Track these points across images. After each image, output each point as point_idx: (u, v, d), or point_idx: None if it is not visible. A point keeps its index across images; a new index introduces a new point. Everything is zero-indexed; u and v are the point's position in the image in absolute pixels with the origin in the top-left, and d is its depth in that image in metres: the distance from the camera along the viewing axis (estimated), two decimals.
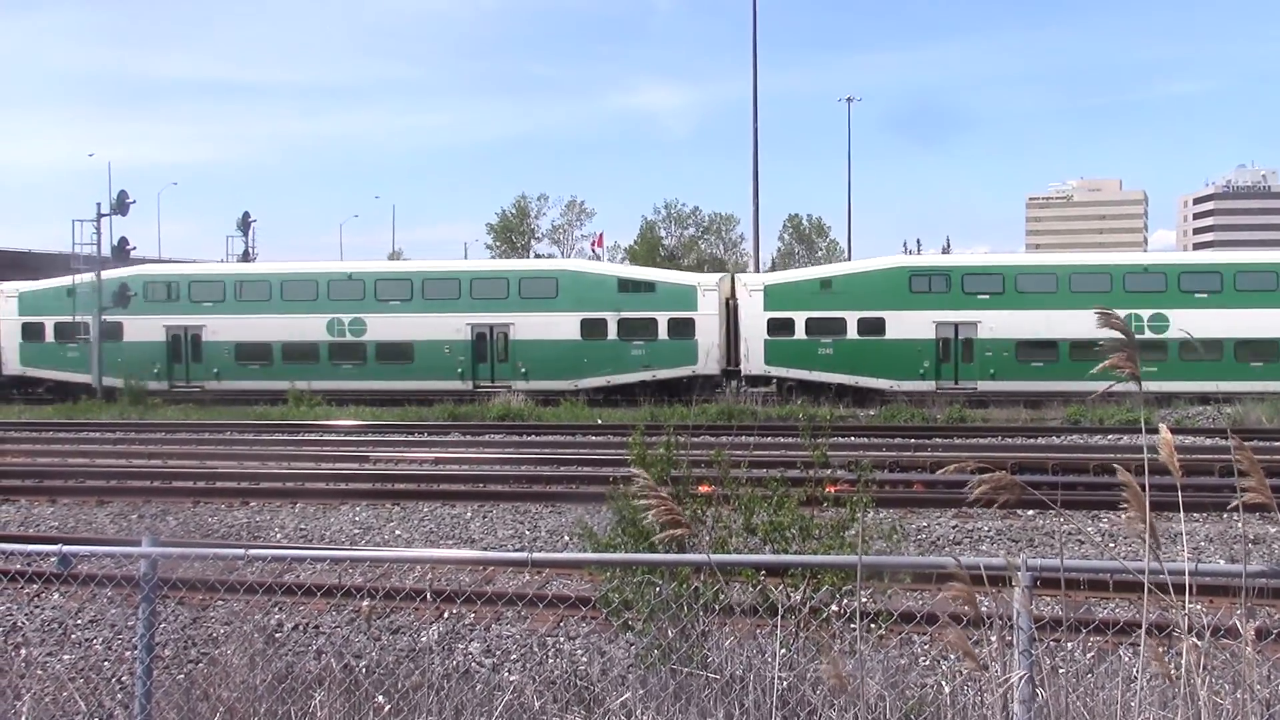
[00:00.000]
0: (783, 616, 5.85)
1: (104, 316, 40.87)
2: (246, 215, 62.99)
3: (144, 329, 41.73)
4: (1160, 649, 4.34)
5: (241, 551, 5.89)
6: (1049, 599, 9.77)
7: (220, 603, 11.58)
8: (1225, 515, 15.47)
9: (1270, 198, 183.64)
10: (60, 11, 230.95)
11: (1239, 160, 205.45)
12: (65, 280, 43.23)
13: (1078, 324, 33.85)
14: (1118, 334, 4.52)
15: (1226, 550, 14.05)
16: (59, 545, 6.02)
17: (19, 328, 42.95)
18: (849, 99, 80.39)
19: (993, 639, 4.91)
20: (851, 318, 38.04)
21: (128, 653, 10.07)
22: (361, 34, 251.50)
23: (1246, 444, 4.52)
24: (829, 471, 8.21)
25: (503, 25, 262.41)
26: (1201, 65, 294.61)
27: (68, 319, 42.12)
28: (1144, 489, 4.31)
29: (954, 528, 15.44)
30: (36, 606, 11.98)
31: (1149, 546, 4.29)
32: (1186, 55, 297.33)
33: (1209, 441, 24.10)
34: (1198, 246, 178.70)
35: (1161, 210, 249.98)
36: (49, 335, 42.86)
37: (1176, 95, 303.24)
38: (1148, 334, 35.56)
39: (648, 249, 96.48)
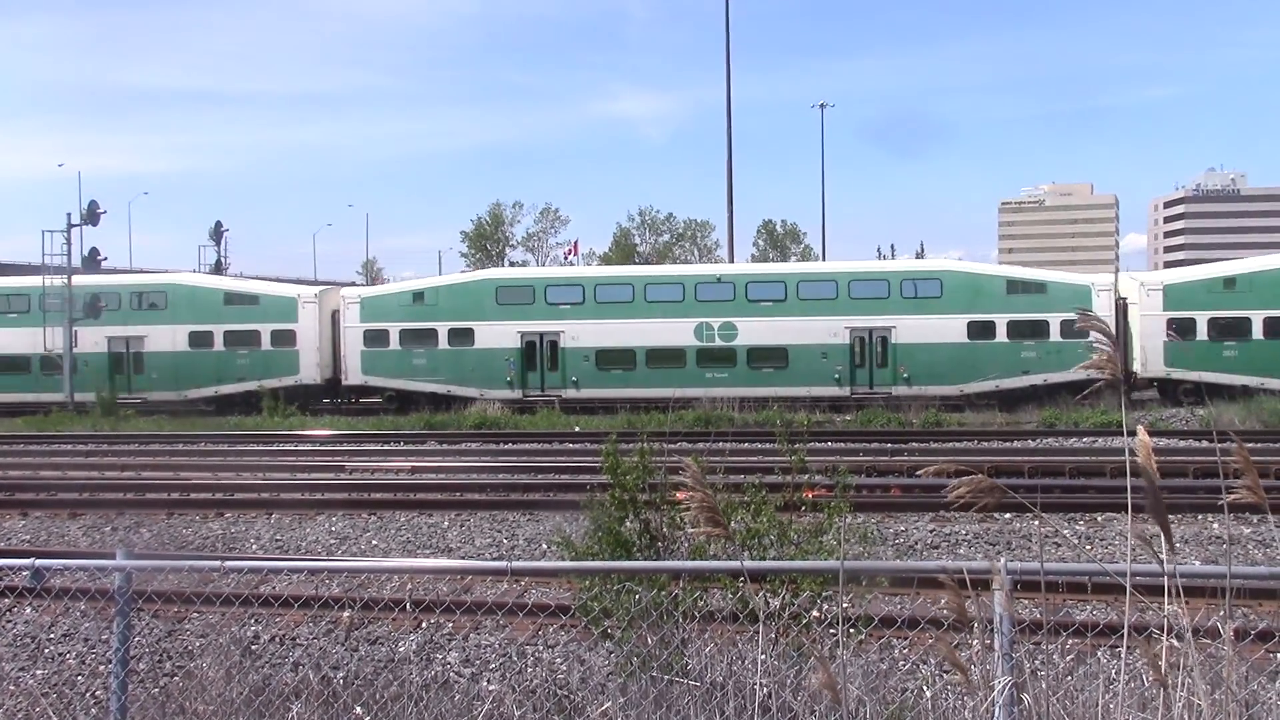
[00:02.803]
0: (763, 623, 5.84)
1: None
2: (219, 225, 62.96)
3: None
4: (1143, 650, 4.34)
5: (217, 563, 5.82)
6: (1027, 601, 9.83)
7: (196, 615, 11.49)
8: (1199, 517, 15.62)
9: (1239, 201, 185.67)
10: (34, 22, 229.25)
11: (1208, 164, 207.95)
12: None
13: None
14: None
15: (1201, 551, 14.16)
16: (31, 559, 5.94)
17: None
18: (822, 105, 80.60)
19: (973, 643, 4.91)
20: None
21: (102, 667, 9.97)
22: (336, 43, 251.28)
23: (1219, 445, 4.53)
24: (806, 477, 8.20)
25: (478, 33, 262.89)
26: (1172, 71, 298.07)
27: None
28: (1129, 491, 4.32)
29: (931, 531, 15.47)
30: (8, 621, 11.85)
31: (1130, 550, 4.30)
32: (1157, 61, 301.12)
33: (1183, 444, 24.27)
34: (1168, 249, 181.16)
35: (1133, 214, 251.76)
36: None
37: (1147, 100, 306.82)
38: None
39: (622, 256, 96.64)
